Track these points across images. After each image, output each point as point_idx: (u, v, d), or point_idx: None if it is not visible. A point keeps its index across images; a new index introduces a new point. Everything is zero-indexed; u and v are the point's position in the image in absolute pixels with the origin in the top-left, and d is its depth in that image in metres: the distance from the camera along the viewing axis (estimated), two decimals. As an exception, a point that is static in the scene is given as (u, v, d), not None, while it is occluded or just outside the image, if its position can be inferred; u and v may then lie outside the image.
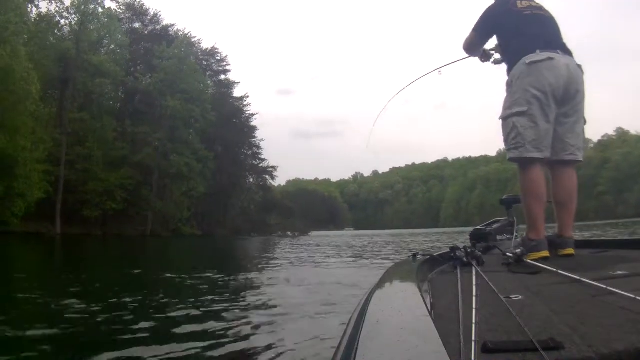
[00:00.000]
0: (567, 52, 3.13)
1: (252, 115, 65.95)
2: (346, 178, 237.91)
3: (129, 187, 45.34)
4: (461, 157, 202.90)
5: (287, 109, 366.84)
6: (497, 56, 3.68)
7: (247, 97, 66.40)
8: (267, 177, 68.44)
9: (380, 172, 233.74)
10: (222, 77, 65.01)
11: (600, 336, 1.11)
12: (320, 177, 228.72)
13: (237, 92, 66.51)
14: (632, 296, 1.41)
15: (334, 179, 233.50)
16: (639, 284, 1.67)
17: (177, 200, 50.01)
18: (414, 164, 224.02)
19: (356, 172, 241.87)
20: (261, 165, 67.20)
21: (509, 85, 3.13)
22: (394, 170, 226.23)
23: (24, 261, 15.00)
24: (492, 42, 3.64)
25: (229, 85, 65.08)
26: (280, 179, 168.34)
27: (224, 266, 11.94)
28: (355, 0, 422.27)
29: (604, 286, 1.61)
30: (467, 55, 3.83)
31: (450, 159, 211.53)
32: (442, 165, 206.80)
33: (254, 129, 66.13)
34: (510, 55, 3.25)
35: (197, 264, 13.57)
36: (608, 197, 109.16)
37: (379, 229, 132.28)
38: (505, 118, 3.08)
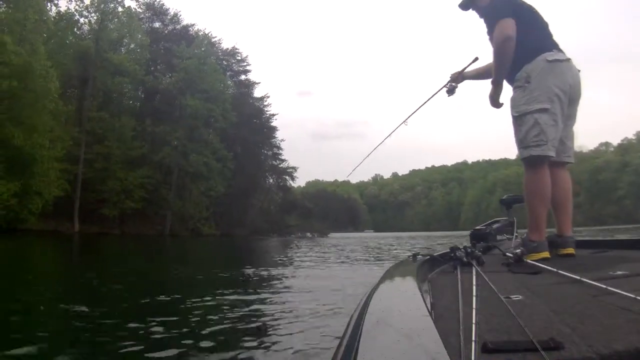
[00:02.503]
0: None
1: (273, 115, 64.57)
2: (366, 180, 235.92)
3: (148, 186, 44.60)
4: (481, 160, 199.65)
5: (307, 110, 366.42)
6: (451, 85, 3.61)
7: (268, 97, 65.44)
8: (287, 177, 66.90)
9: (400, 174, 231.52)
10: (243, 77, 63.74)
11: (600, 336, 1.11)
12: (340, 179, 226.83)
13: (257, 93, 65.55)
14: (632, 296, 1.39)
15: (353, 181, 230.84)
16: (639, 284, 1.66)
17: (196, 200, 48.94)
18: (433, 166, 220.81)
19: (376, 174, 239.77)
20: (281, 165, 65.72)
21: (525, 80, 2.96)
22: (414, 173, 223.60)
23: (43, 259, 14.56)
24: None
25: (249, 85, 63.81)
26: (300, 180, 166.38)
27: (241, 266, 11.59)
28: (376, 4, 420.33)
29: (604, 286, 1.59)
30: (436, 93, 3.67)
31: (470, 161, 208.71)
32: (461, 167, 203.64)
33: (274, 129, 64.74)
34: (525, 48, 2.99)
35: (215, 264, 13.70)
36: (628, 202, 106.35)
37: (399, 231, 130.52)
38: (523, 114, 2.94)
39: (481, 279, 1.88)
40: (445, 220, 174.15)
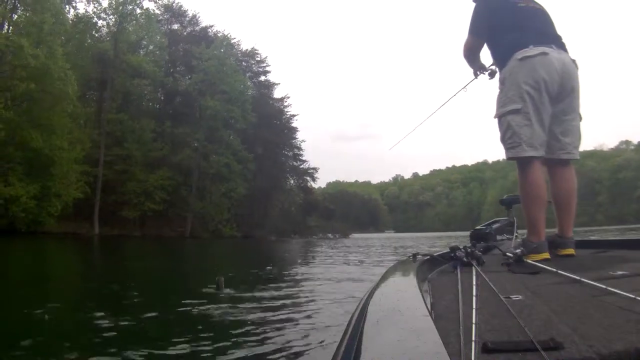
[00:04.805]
0: (562, 46, 2.97)
1: (293, 116, 63.25)
2: (386, 180, 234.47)
3: (168, 188, 43.49)
4: (501, 159, 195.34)
5: (327, 112, 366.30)
6: (493, 67, 3.45)
7: (288, 98, 64.32)
8: (308, 178, 65.73)
9: (421, 174, 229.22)
10: (262, 78, 62.28)
11: (600, 336, 1.10)
12: (361, 180, 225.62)
13: (277, 94, 64.47)
14: (632, 296, 1.39)
15: (374, 181, 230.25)
16: (639, 284, 1.66)
17: (216, 202, 47.76)
18: (454, 166, 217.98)
19: (396, 174, 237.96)
20: (302, 166, 64.45)
21: (502, 82, 2.96)
22: (434, 173, 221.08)
23: (62, 262, 14.42)
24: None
25: (269, 86, 62.53)
26: (320, 181, 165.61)
27: (263, 266, 11.70)
28: (396, 7, 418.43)
29: (604, 286, 1.58)
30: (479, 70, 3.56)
31: (490, 161, 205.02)
32: (482, 167, 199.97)
33: (294, 130, 63.46)
34: (502, 50, 3.04)
35: (235, 265, 13.82)
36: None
37: (419, 232, 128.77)
38: (500, 116, 2.93)
39: (481, 279, 1.85)
40: (466, 220, 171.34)
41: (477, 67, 3.52)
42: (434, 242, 27.19)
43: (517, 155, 2.83)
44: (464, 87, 3.79)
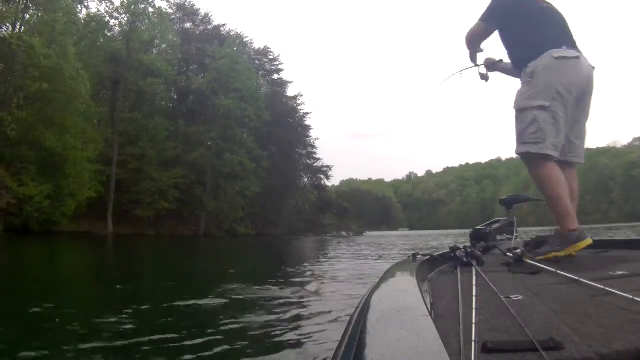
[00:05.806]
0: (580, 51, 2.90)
1: (307, 114, 62.67)
2: (400, 178, 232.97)
3: (182, 187, 42.92)
4: (514, 157, 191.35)
5: (341, 109, 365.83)
6: (483, 70, 3.46)
7: (301, 95, 63.77)
8: (321, 176, 64.93)
9: (434, 172, 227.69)
10: (275, 76, 61.94)
11: (600, 336, 1.10)
12: (374, 178, 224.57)
13: (290, 92, 63.84)
14: (632, 296, 1.38)
15: (387, 179, 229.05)
16: (639, 284, 1.66)
17: (230, 200, 47.02)
18: (467, 164, 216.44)
19: (410, 172, 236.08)
20: (316, 164, 63.70)
21: (529, 75, 2.82)
22: (448, 170, 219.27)
23: (76, 262, 13.93)
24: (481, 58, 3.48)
25: (282, 84, 62.06)
26: (334, 179, 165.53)
27: (271, 265, 11.60)
28: (407, 6, 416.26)
29: (604, 286, 1.57)
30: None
31: (503, 158, 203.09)
32: (495, 164, 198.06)
33: (308, 128, 62.83)
34: (532, 44, 2.90)
35: (249, 263, 13.58)
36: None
37: (433, 229, 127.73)
38: (523, 109, 2.80)
39: (481, 279, 1.84)
40: (480, 217, 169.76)
41: (475, 53, 3.41)
42: (455, 239, 26.29)
43: (540, 151, 2.72)
44: (460, 71, 3.60)
